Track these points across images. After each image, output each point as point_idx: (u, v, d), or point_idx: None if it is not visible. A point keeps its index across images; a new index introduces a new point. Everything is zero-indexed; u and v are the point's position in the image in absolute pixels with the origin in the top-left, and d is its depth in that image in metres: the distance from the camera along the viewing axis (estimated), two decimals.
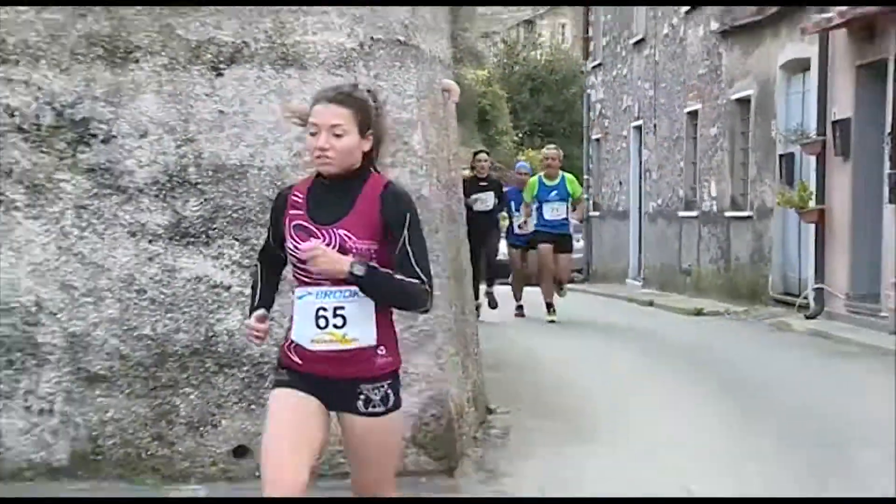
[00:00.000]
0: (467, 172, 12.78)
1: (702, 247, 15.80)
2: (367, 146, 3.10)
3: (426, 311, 3.36)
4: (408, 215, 3.01)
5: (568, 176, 12.76)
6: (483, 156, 13.18)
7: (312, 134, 3.02)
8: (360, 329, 2.90)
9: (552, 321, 12.18)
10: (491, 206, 12.06)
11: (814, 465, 5.87)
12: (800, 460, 5.98)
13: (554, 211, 12.14)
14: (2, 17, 5.53)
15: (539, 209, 12.22)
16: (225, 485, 5.49)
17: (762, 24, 14.35)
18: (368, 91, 3.22)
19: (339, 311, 2.92)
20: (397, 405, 3.02)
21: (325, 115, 3.00)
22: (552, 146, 13.85)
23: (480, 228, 10.96)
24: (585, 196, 14.51)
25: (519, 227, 12.61)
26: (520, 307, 13.08)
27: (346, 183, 3.06)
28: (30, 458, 5.59)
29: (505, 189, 13.02)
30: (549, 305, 12.41)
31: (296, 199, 3.11)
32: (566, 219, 12.31)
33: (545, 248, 12.16)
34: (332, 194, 3.05)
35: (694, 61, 16.62)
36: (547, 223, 12.15)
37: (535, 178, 12.61)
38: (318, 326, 2.90)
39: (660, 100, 17.95)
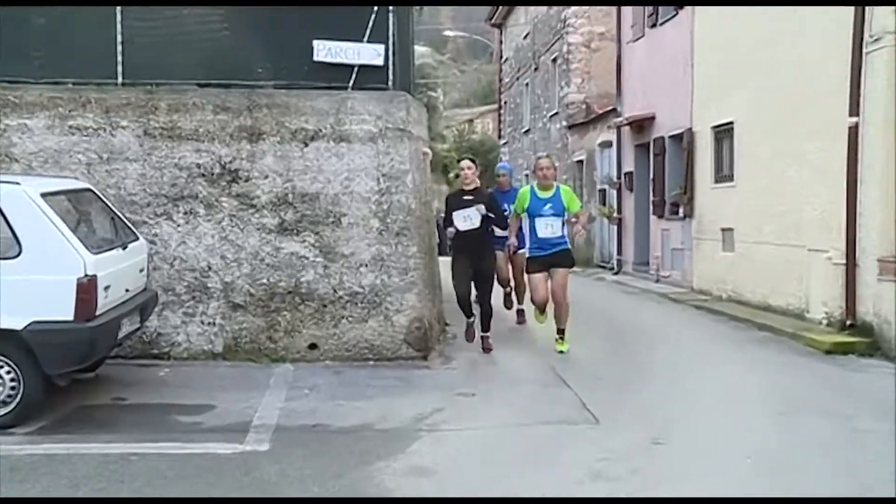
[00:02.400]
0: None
1: None
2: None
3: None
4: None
5: (563, 188, 11.42)
6: (466, 162, 11.36)
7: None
8: None
9: (561, 351, 11.14)
10: (478, 223, 10.74)
11: (611, 346, 11.72)
12: (606, 343, 11.88)
13: (548, 228, 10.92)
14: (199, 118, 10.50)
15: (531, 226, 11.05)
16: (305, 364, 10.06)
17: (588, 123, 24.96)
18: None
19: None
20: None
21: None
22: (544, 155, 12.76)
23: (468, 248, 10.97)
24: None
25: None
26: (520, 310, 13.32)
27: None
28: (203, 348, 10.28)
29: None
30: (559, 331, 11.25)
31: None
32: (562, 236, 11.07)
33: (538, 278, 11.04)
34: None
35: (554, 141, 28.19)
36: (541, 243, 10.98)
37: (527, 188, 11.40)
38: None
39: None
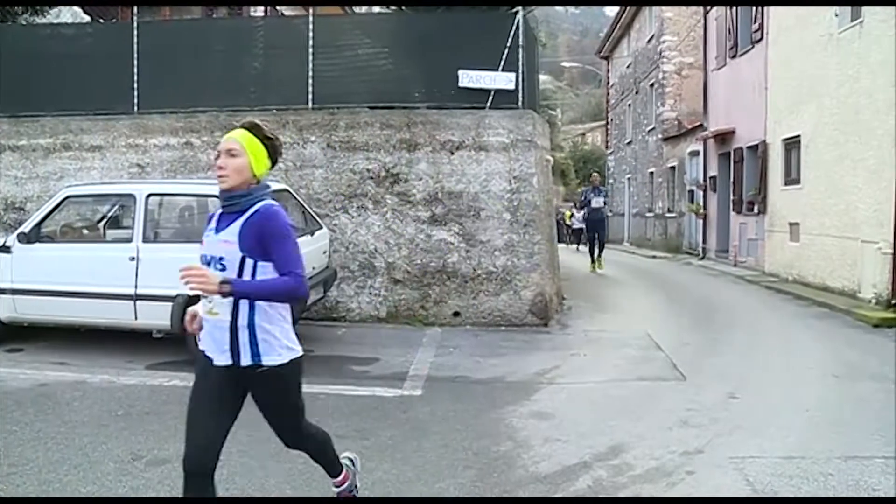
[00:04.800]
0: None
1: (655, 229, 26.34)
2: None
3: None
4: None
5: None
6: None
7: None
8: None
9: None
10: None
11: (697, 318, 11.36)
12: (692, 315, 11.50)
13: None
14: (369, 133, 10.69)
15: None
16: (450, 328, 10.15)
17: (679, 136, 24.13)
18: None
19: None
20: None
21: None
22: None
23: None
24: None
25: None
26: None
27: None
28: (370, 314, 10.53)
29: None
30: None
31: None
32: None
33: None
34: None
35: (651, 150, 27.55)
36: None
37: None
38: None
39: (637, 167, 29.57)
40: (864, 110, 12.25)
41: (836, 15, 13.25)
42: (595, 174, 19.68)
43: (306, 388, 7.00)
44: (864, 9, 12.33)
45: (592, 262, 17.51)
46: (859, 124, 12.38)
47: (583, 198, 18.47)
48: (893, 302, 11.09)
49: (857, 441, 5.77)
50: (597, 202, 17.34)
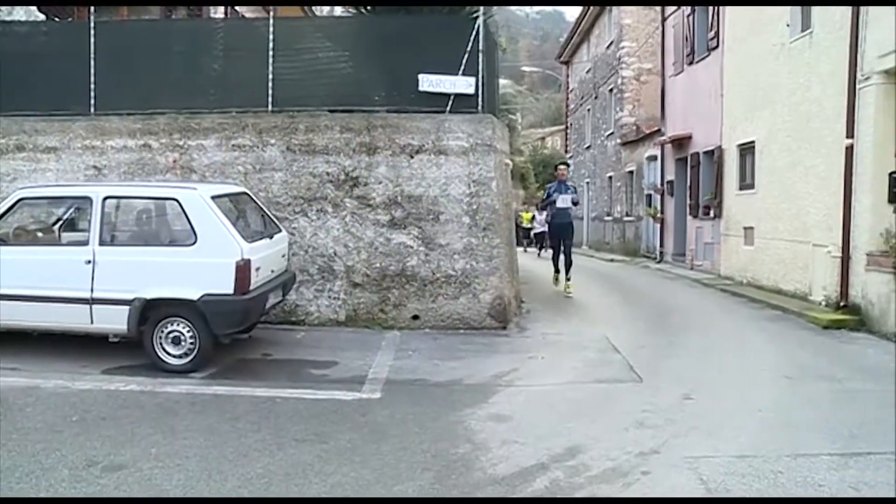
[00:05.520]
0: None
1: (613, 233, 26.78)
2: None
3: None
4: None
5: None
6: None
7: None
8: None
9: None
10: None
11: (654, 321, 11.46)
12: (650, 318, 11.55)
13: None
14: (329, 136, 10.66)
15: None
16: (409, 332, 10.13)
17: (638, 141, 24.57)
18: None
19: None
20: None
21: None
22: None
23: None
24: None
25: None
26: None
27: None
28: (329, 317, 10.47)
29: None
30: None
31: None
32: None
33: None
34: None
35: (610, 155, 27.98)
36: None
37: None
38: None
39: (596, 171, 30.01)
40: (814, 118, 12.55)
41: (788, 25, 13.54)
42: (562, 167, 14.94)
43: (266, 392, 7.13)
44: (814, 19, 12.66)
45: (556, 271, 14.49)
46: (810, 132, 12.68)
47: (546, 195, 14.89)
48: (842, 304, 11.36)
49: (805, 440, 5.94)
50: (563, 201, 13.85)
